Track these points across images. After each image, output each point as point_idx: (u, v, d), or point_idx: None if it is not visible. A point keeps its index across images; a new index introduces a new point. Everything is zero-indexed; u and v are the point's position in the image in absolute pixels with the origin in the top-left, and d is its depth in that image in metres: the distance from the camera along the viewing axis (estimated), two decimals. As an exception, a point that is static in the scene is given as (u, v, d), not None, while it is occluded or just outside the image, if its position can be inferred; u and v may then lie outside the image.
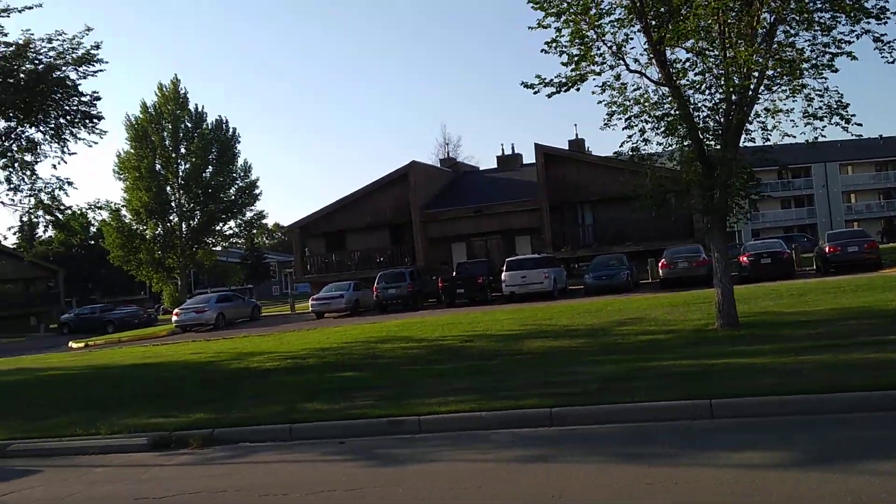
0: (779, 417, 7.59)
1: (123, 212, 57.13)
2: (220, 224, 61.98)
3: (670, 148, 14.18)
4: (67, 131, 20.57)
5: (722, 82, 13.28)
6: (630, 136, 13.87)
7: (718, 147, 13.67)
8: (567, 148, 41.24)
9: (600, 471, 6.34)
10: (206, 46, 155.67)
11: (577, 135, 44.66)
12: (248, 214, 64.99)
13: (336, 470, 7.55)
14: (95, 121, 21.31)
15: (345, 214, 41.24)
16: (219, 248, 68.27)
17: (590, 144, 43.50)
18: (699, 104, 13.84)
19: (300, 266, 42.55)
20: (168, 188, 58.15)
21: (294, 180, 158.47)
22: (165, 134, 57.42)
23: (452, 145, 61.21)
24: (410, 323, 21.84)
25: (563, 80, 13.99)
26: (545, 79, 14.23)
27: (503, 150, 46.10)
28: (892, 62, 12.59)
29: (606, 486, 5.84)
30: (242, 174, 63.75)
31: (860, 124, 12.88)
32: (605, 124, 14.07)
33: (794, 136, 14.03)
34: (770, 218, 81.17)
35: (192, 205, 58.96)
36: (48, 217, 21.64)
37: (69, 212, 21.55)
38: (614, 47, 13.87)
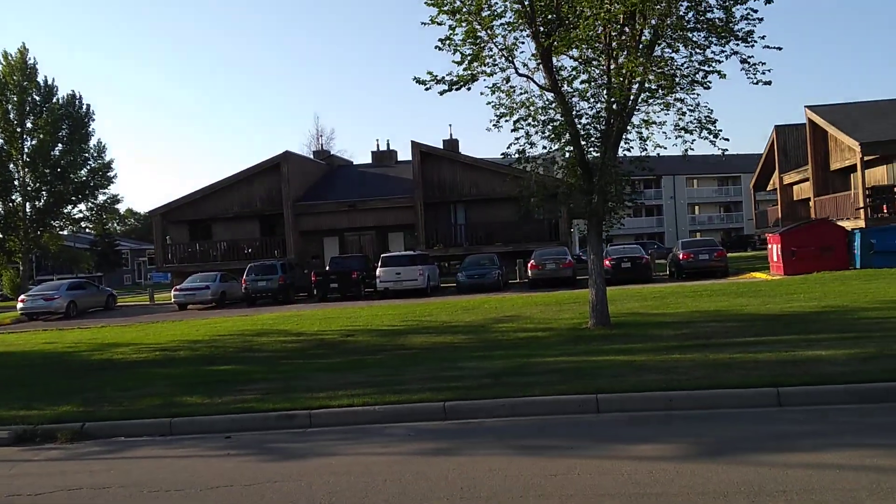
0: (663, 412, 8.01)
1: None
2: (69, 206, 58.13)
3: (554, 152, 14.65)
4: None
5: (605, 91, 13.92)
6: (517, 139, 14.20)
7: (598, 154, 14.28)
8: (442, 147, 41.71)
9: (506, 463, 6.45)
10: (71, 21, 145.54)
11: (451, 135, 45.10)
12: (101, 198, 61.42)
13: (227, 465, 7.26)
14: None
15: (212, 202, 39.73)
16: (66, 233, 63.99)
17: (464, 145, 44.26)
18: (582, 112, 14.42)
19: (161, 254, 40.58)
20: (11, 165, 53.86)
21: (155, 166, 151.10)
22: (10, 106, 53.12)
23: (325, 137, 60.28)
24: (284, 316, 21.35)
25: (455, 79, 14.16)
26: (437, 76, 14.37)
27: (378, 145, 46.09)
28: (757, 83, 13.57)
29: (514, 478, 5.95)
30: (96, 154, 60.07)
31: (727, 139, 13.87)
32: (494, 125, 14.36)
33: (666, 148, 14.85)
34: (625, 224, 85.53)
35: (37, 184, 54.85)
36: None
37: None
38: (505, 50, 14.20)
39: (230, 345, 15.66)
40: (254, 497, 6.07)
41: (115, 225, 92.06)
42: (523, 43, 14.13)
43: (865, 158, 27.40)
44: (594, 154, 14.42)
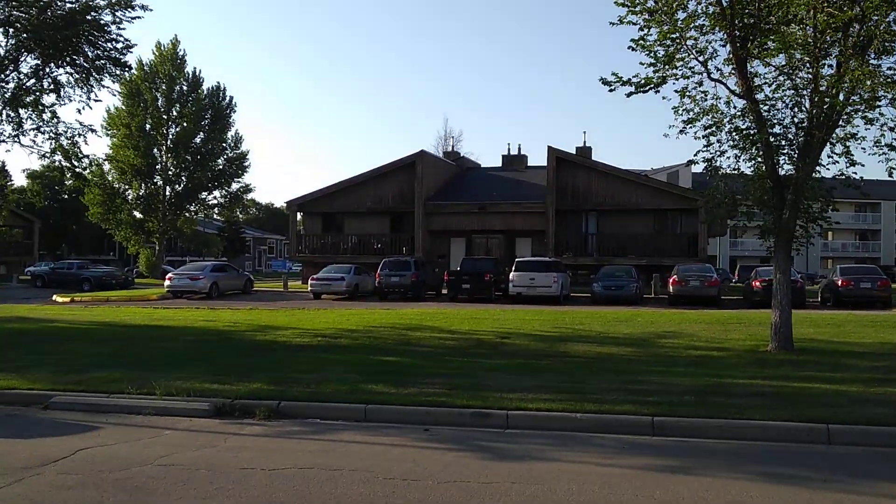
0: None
1: (107, 168, 55.66)
2: (206, 193, 60.91)
3: (741, 163, 13.86)
4: (95, 76, 19.73)
5: (806, 101, 13.05)
6: (707, 147, 13.52)
7: (792, 167, 13.41)
8: (574, 153, 40.98)
9: (762, 490, 5.93)
10: (214, 21, 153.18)
11: (585, 142, 44.31)
12: (234, 186, 64.09)
13: (447, 459, 7.05)
14: (124, 69, 20.54)
15: (345, 197, 40.50)
16: (199, 217, 67.01)
17: (597, 153, 43.37)
18: (777, 121, 13.59)
19: (294, 244, 41.69)
20: (156, 150, 56.85)
21: (282, 160, 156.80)
22: (159, 94, 56.07)
23: (454, 139, 60.55)
24: (426, 313, 21.31)
25: (643, 81, 13.65)
26: (621, 77, 13.90)
27: (509, 149, 45.81)
28: None
29: (786, 509, 5.44)
30: (233, 144, 62.74)
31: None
32: (680, 132, 13.74)
33: (864, 165, 13.83)
34: (749, 246, 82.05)
35: (178, 169, 57.77)
36: (66, 163, 20.64)
37: (86, 160, 20.55)
38: (698, 53, 13.57)
39: (386, 337, 15.64)
40: (496, 496, 5.79)
41: (239, 213, 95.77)
42: (721, 46, 13.44)
43: None
44: (787, 167, 13.56)
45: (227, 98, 60.01)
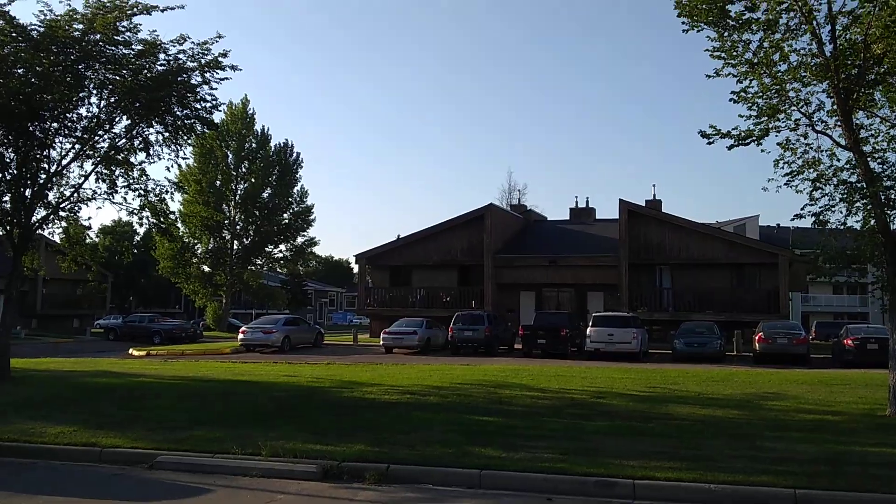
0: None
1: (178, 223, 57.12)
2: (272, 246, 61.97)
3: (850, 217, 13.28)
4: (183, 135, 20.21)
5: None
6: (814, 201, 13.01)
7: (908, 221, 12.78)
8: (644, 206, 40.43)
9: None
10: (283, 72, 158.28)
11: (654, 195, 43.64)
12: (300, 240, 65.08)
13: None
14: (211, 127, 21.02)
15: (413, 250, 40.61)
16: (265, 271, 68.03)
17: (667, 206, 42.74)
18: (888, 174, 13.03)
19: (362, 297, 41.80)
20: (225, 205, 58.23)
21: (343, 212, 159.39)
22: (229, 151, 57.67)
23: (519, 192, 60.60)
24: (508, 369, 20.86)
25: (744, 133, 13.31)
26: (720, 130, 13.60)
27: (577, 202, 45.53)
28: None
29: None
30: (299, 199, 63.94)
31: None
32: (786, 184, 13.29)
33: None
34: (822, 302, 79.55)
35: (246, 224, 59.01)
36: (153, 220, 21.09)
37: (172, 216, 20.93)
38: (802, 105, 13.19)
39: (475, 395, 15.23)
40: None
41: (300, 266, 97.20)
42: (826, 98, 13.03)
43: None
44: (900, 220, 12.92)
45: (294, 154, 61.41)
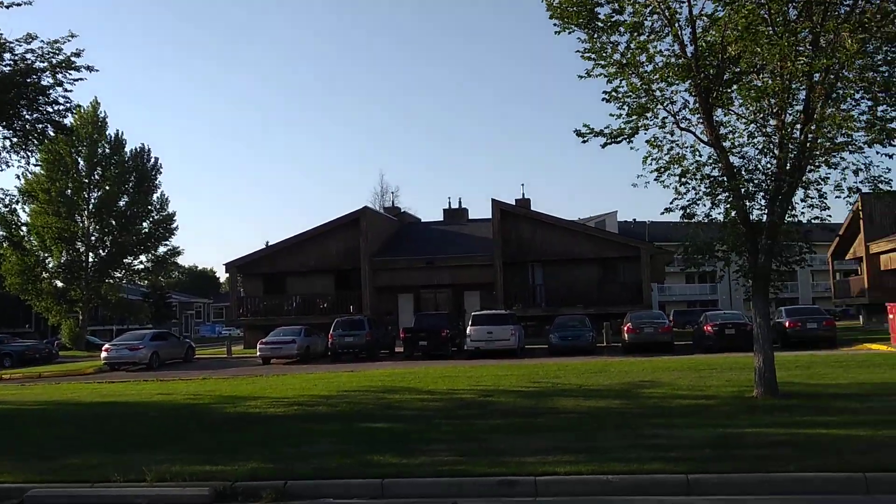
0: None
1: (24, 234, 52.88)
2: (131, 258, 58.63)
3: (714, 210, 14.02)
4: (35, 140, 18.80)
5: (776, 147, 13.35)
6: (683, 195, 13.68)
7: (766, 212, 13.64)
8: (515, 205, 41.42)
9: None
10: (140, 77, 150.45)
11: (524, 194, 45.12)
12: (161, 249, 62.07)
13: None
14: (64, 131, 19.69)
15: (287, 256, 39.74)
16: (125, 284, 64.41)
17: (535, 204, 43.96)
18: (747, 168, 13.85)
19: (234, 307, 40.42)
20: (77, 215, 54.56)
21: (206, 221, 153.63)
22: (80, 158, 54.08)
23: (392, 195, 60.54)
24: (394, 373, 20.72)
25: (615, 132, 13.82)
26: (593, 128, 14.05)
27: (450, 203, 46.09)
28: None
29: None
30: (159, 207, 60.96)
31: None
32: (655, 180, 13.88)
33: (830, 208, 14.15)
34: (676, 291, 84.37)
35: (102, 235, 55.53)
36: (2, 232, 19.45)
37: (24, 228, 19.40)
38: (667, 103, 13.84)
39: (364, 401, 15.01)
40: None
41: (161, 278, 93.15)
42: (690, 96, 13.71)
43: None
44: (759, 212, 13.79)
45: (153, 159, 58.38)
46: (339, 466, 9.07)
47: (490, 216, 37.92)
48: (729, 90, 13.69)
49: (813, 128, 12.26)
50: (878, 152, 12.83)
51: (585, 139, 13.98)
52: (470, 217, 45.48)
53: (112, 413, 14.81)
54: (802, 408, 12.03)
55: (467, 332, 28.17)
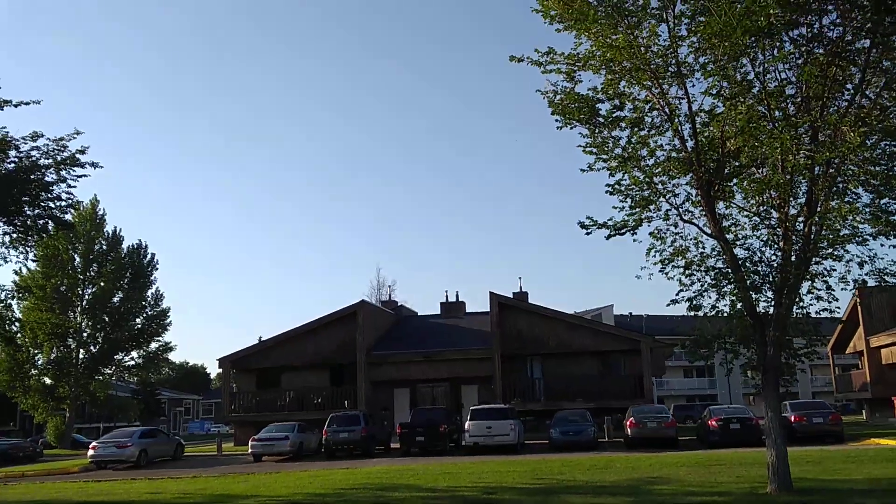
0: None
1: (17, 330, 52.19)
2: (122, 353, 57.73)
3: (720, 302, 13.91)
4: (35, 235, 18.77)
5: (781, 239, 13.37)
6: (689, 286, 13.61)
7: (772, 304, 13.55)
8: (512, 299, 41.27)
9: None
10: (136, 171, 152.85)
11: (521, 287, 44.75)
12: (154, 345, 61.36)
13: None
14: (65, 227, 19.69)
15: (282, 351, 39.17)
16: (114, 380, 63.23)
17: (532, 298, 43.78)
18: (751, 260, 13.84)
19: (226, 403, 39.55)
20: (70, 312, 54.02)
21: (197, 317, 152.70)
22: (76, 254, 53.99)
23: (390, 289, 60.42)
24: (391, 470, 20.02)
25: (619, 224, 13.88)
26: (596, 220, 14.11)
27: (447, 296, 45.77)
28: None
29: None
30: (153, 302, 60.63)
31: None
32: (660, 272, 13.86)
33: (839, 300, 14.04)
34: (675, 385, 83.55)
35: (94, 331, 54.83)
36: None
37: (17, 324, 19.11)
38: (670, 196, 13.96)
39: (361, 500, 14.44)
40: None
41: (151, 374, 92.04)
42: (692, 189, 13.85)
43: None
44: (765, 304, 13.70)
45: (149, 255, 58.43)
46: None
47: (488, 309, 37.73)
48: (730, 184, 13.84)
49: (817, 220, 12.32)
50: (881, 244, 12.86)
51: (589, 231, 14.02)
52: (468, 310, 45.20)
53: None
54: (822, 504, 11.61)
55: (466, 426, 27.52)
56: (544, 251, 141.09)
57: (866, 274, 13.35)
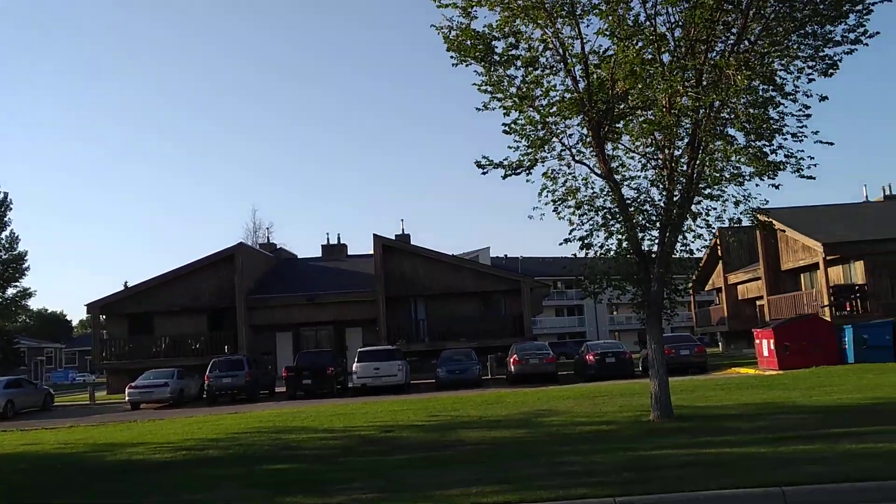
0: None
1: None
2: (-26, 300, 54.22)
3: (609, 240, 14.42)
4: None
5: (664, 180, 13.95)
6: (581, 226, 14.01)
7: (656, 242, 14.17)
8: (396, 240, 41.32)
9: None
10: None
11: (403, 229, 44.79)
12: (11, 291, 57.96)
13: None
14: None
15: (156, 296, 37.65)
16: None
17: (414, 239, 43.94)
18: (637, 201, 14.38)
19: (97, 351, 37.71)
20: (-88, 255, 49.98)
21: (55, 260, 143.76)
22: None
23: (268, 231, 58.89)
24: (283, 413, 19.82)
25: (515, 164, 14.02)
26: (493, 160, 14.19)
27: (328, 238, 45.22)
28: (803, 177, 13.75)
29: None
30: (8, 245, 57.01)
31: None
32: (553, 211, 14.14)
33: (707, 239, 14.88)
34: (547, 324, 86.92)
35: (-58, 275, 51.11)
36: None
37: None
38: (563, 136, 14.20)
39: (258, 442, 14.19)
40: None
41: (7, 322, 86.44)
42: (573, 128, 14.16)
43: (828, 258, 28.75)
44: (649, 242, 14.31)
45: (2, 195, 54.54)
46: (254, 512, 8.46)
47: (370, 251, 37.62)
48: (618, 125, 14.24)
49: (699, 161, 12.89)
50: (756, 184, 13.63)
51: (485, 171, 14.09)
52: (349, 253, 44.91)
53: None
54: (699, 429, 12.40)
55: (353, 368, 27.62)
56: (424, 194, 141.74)
57: (741, 213, 14.17)
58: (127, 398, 27.89)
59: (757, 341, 25.53)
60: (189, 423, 19.00)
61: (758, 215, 14.27)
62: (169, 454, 13.36)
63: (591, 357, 27.56)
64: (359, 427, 15.67)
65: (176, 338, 37.20)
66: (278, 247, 47.88)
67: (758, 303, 39.83)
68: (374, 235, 36.99)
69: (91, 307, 38.04)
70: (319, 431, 15.37)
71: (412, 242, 42.12)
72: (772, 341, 23.92)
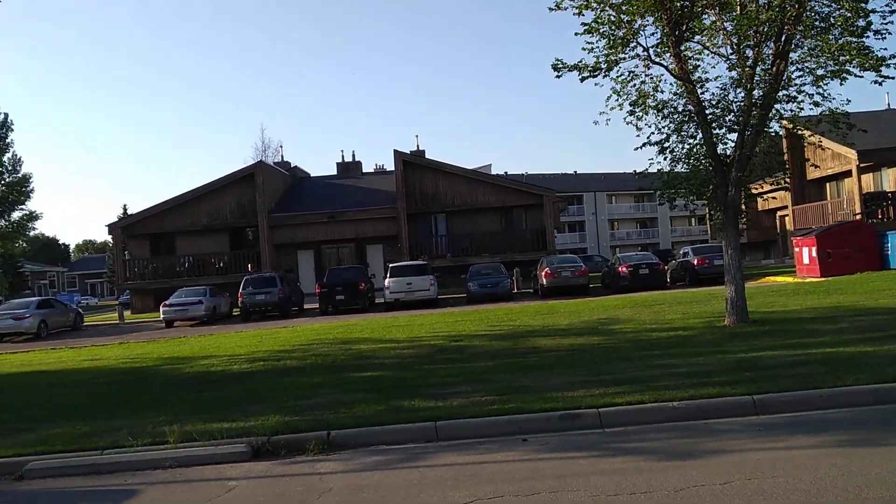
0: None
1: None
2: (-18, 222, 53.48)
3: (685, 143, 14.07)
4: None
5: (745, 81, 13.49)
6: (660, 129, 13.64)
7: (735, 145, 13.84)
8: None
9: None
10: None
11: (418, 145, 44.30)
12: (16, 214, 57.20)
13: (625, 466, 6.25)
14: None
15: (176, 216, 37.33)
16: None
17: (428, 155, 43.41)
18: (714, 102, 13.95)
19: (120, 270, 37.59)
20: (-84, 178, 48.92)
21: (53, 186, 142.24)
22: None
23: (281, 149, 57.99)
24: (335, 326, 19.82)
25: (592, 66, 13.51)
26: (567, 63, 13.70)
27: (343, 156, 44.63)
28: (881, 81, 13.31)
29: None
30: (11, 168, 55.94)
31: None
32: (630, 114, 13.73)
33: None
34: (556, 240, 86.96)
35: (-54, 199, 50.14)
36: None
37: None
38: (640, 37, 13.66)
39: (331, 353, 14.15)
40: (728, 496, 5.18)
41: (15, 244, 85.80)
42: (658, 29, 13.58)
43: (861, 165, 28.50)
44: (727, 145, 13.99)
45: (2, 115, 53.09)
46: (374, 414, 8.43)
47: (384, 169, 37.22)
48: (703, 19, 13.66)
49: (796, 56, 12.44)
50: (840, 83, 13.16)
51: (560, 74, 13.61)
52: (364, 171, 44.42)
53: (50, 382, 13.27)
54: (783, 332, 12.30)
55: (386, 283, 27.57)
56: (432, 113, 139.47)
57: (820, 114, 13.77)
58: (162, 316, 27.88)
59: (797, 249, 25.42)
60: (244, 336, 19.01)
61: (838, 117, 13.78)
62: (246, 365, 13.36)
63: (623, 269, 27.52)
64: (423, 337, 15.64)
65: (198, 257, 37.04)
66: (293, 165, 47.27)
67: (779, 213, 39.68)
68: (395, 151, 36.48)
69: (112, 227, 37.71)
70: (385, 342, 15.35)
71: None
72: (814, 248, 23.82)
